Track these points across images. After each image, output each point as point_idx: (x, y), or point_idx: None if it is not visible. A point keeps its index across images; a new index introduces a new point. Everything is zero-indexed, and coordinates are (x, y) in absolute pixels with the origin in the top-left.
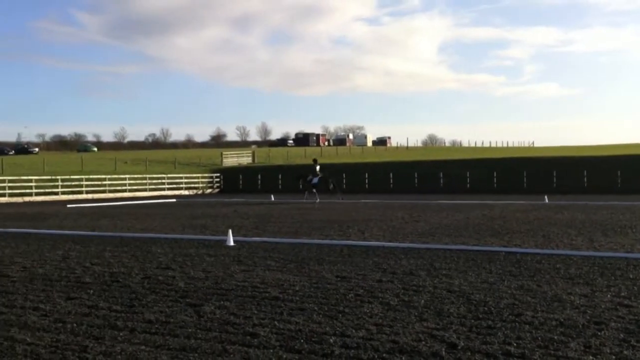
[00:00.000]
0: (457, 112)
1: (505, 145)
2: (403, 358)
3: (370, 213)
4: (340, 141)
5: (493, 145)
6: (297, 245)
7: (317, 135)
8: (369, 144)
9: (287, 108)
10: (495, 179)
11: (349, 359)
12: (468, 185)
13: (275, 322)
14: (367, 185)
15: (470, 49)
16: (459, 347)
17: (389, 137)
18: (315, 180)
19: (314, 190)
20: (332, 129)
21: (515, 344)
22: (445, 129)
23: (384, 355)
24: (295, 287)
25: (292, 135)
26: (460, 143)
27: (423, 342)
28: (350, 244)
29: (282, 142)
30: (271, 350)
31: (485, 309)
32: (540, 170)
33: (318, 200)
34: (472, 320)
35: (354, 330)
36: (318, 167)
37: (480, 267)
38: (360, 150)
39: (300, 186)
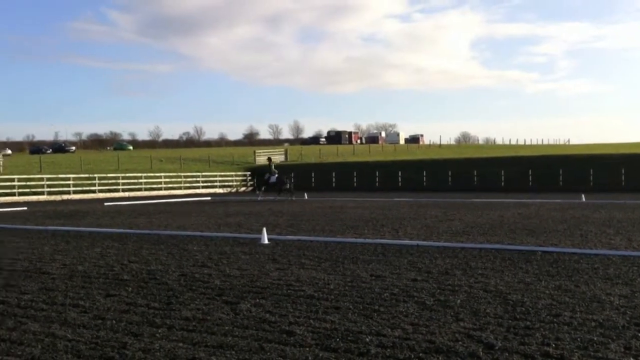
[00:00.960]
0: (490, 109)
1: (540, 142)
2: (439, 358)
3: (404, 212)
4: (372, 139)
5: (528, 142)
6: (331, 243)
7: (350, 133)
8: (402, 141)
9: (319, 106)
10: (530, 177)
11: (385, 358)
12: (502, 184)
13: (311, 321)
14: (399, 184)
15: (502, 45)
16: (497, 348)
17: (422, 135)
18: (273, 178)
19: (267, 188)
20: (364, 127)
21: (553, 345)
22: (478, 126)
23: (421, 355)
24: (330, 286)
25: (325, 134)
26: (494, 141)
27: (460, 343)
28: (384, 243)
29: (314, 140)
30: (307, 349)
31: (523, 309)
32: (577, 168)
33: (278, 197)
34: (510, 321)
35: (389, 330)
36: (273, 166)
37: (516, 267)
38: (392, 148)
39: (256, 184)
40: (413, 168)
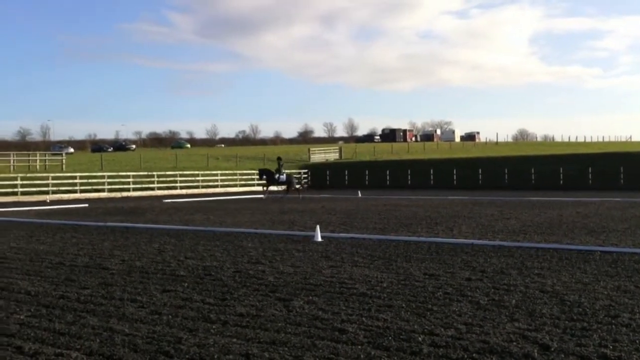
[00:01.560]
0: (549, 106)
1: (600, 139)
2: (493, 359)
3: (458, 210)
4: (427, 137)
5: (587, 139)
6: (384, 241)
7: (404, 131)
8: (457, 139)
9: (374, 104)
10: (590, 175)
11: (438, 358)
12: (561, 182)
13: (363, 319)
14: (454, 182)
15: (562, 40)
16: (552, 349)
17: (478, 132)
18: (283, 177)
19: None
20: (419, 125)
21: (611, 347)
22: (536, 123)
23: (474, 355)
24: (383, 284)
25: (379, 131)
26: (553, 138)
27: (514, 343)
28: (438, 241)
29: (368, 138)
30: (359, 347)
31: (580, 310)
32: (638, 165)
33: (287, 195)
34: (566, 322)
35: (442, 329)
36: (282, 165)
37: (574, 267)
38: (447, 146)
39: (265, 183)
40: (468, 166)
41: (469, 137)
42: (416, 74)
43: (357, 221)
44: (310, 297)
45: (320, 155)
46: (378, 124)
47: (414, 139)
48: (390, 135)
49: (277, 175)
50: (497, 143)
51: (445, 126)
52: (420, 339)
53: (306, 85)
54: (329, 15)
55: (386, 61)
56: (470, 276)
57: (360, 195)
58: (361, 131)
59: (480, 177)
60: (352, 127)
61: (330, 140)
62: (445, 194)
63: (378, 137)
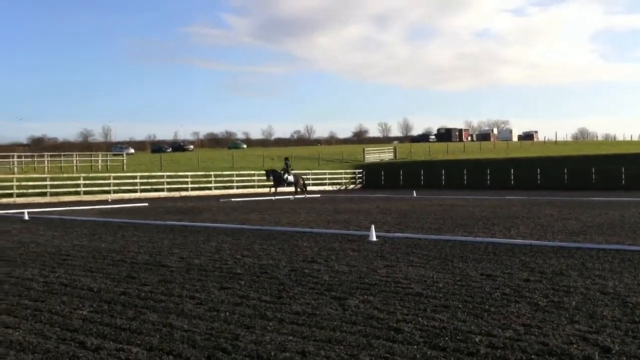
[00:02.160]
0: (610, 104)
1: None
2: None
3: (516, 210)
4: (483, 136)
5: None
6: (440, 241)
7: (460, 130)
8: (514, 138)
9: (429, 103)
10: None
11: (495, 359)
12: (623, 182)
13: (419, 319)
14: (512, 182)
15: (623, 38)
16: (614, 352)
17: (536, 132)
18: (290, 178)
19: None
20: (475, 124)
21: None
22: (597, 122)
23: (533, 357)
24: (439, 284)
25: (434, 131)
26: (614, 137)
27: (574, 345)
28: (495, 242)
29: (423, 137)
30: (415, 347)
31: None
32: None
33: (294, 197)
34: (628, 324)
35: (500, 330)
36: (290, 165)
37: (637, 269)
38: (505, 145)
39: (273, 183)
40: (526, 165)
41: (527, 136)
42: (472, 73)
43: (413, 221)
44: (366, 296)
45: (374, 155)
46: (433, 124)
47: (470, 138)
48: (445, 134)
49: (285, 176)
50: (556, 142)
51: (502, 125)
52: (477, 339)
53: (360, 85)
54: (382, 15)
55: (441, 60)
56: (528, 277)
57: (415, 195)
58: (416, 131)
59: (538, 177)
60: (406, 127)
61: (384, 140)
62: (503, 194)
63: (433, 137)
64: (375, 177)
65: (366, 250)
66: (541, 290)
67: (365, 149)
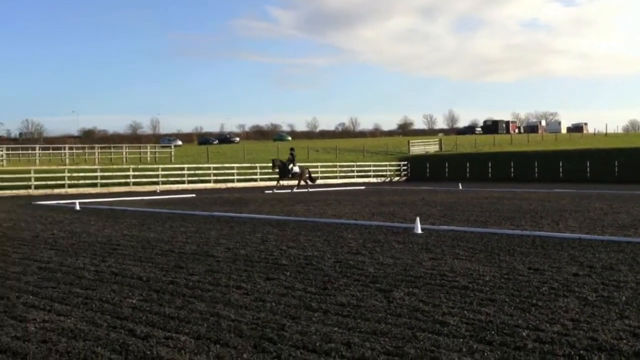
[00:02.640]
0: None
1: None
2: (602, 356)
3: (564, 203)
4: (531, 128)
5: None
6: (486, 234)
7: (507, 123)
8: (563, 130)
9: (475, 95)
10: None
11: (543, 354)
12: None
13: (465, 312)
14: (560, 174)
15: None
16: None
17: (585, 124)
18: (296, 169)
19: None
20: (522, 116)
21: None
22: None
23: (581, 352)
24: (485, 277)
25: (480, 123)
26: None
27: (624, 341)
28: (543, 235)
29: (469, 129)
30: (461, 340)
31: None
32: None
33: (295, 190)
34: None
35: (548, 325)
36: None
37: None
38: (553, 138)
39: (279, 175)
40: (575, 158)
41: (576, 128)
42: (520, 64)
43: (458, 214)
44: (411, 289)
45: (419, 147)
46: (479, 116)
47: (517, 130)
48: (492, 126)
49: (290, 166)
50: (606, 134)
51: (551, 117)
52: (524, 334)
53: (406, 77)
54: (428, 6)
55: (488, 52)
56: (577, 271)
57: (461, 187)
58: (462, 123)
59: (588, 170)
60: (452, 118)
61: (430, 132)
62: (551, 186)
63: (479, 129)
64: (420, 169)
65: (411, 242)
66: (590, 284)
67: (410, 141)
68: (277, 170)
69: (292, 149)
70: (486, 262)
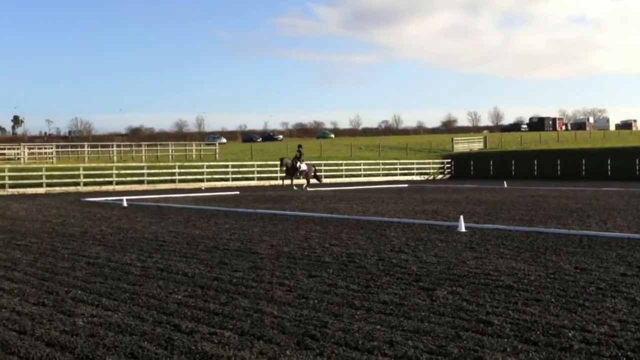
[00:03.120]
0: None
1: None
2: None
3: (613, 202)
4: (579, 125)
5: None
6: (532, 233)
7: (554, 119)
8: (612, 127)
9: (521, 92)
10: None
11: (589, 355)
12: None
13: (510, 312)
14: (609, 172)
15: None
16: None
17: (634, 120)
18: (304, 166)
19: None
20: (569, 113)
21: None
22: None
23: (629, 353)
24: (530, 277)
25: (526, 120)
26: None
27: None
28: (590, 235)
29: (515, 127)
30: (505, 340)
31: None
32: None
33: (304, 188)
34: None
35: (594, 326)
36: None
37: None
38: (601, 135)
39: (286, 173)
40: (624, 155)
41: (625, 125)
42: (566, 60)
43: (503, 212)
44: (454, 288)
45: (463, 144)
46: (525, 113)
47: (564, 127)
48: (538, 124)
49: (298, 165)
50: None
51: (599, 114)
52: (570, 334)
53: (449, 74)
54: (472, 2)
55: (534, 48)
56: (625, 271)
57: (506, 185)
58: (507, 120)
59: (637, 168)
60: (497, 116)
61: (474, 129)
62: (598, 185)
63: (525, 126)
64: (464, 167)
65: (455, 241)
66: (639, 285)
67: (454, 138)
68: (284, 168)
69: (299, 146)
70: (531, 262)
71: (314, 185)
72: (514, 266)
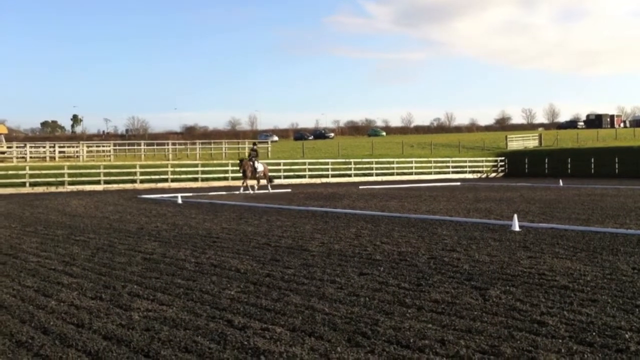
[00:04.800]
0: None
1: None
2: None
3: None
4: (637, 122)
5: None
6: (588, 233)
7: (612, 117)
8: None
9: (577, 88)
10: None
11: None
12: None
13: (565, 312)
14: None
15: None
16: None
17: None
18: (260, 167)
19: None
20: (628, 110)
21: None
22: None
23: None
24: (586, 277)
25: (583, 117)
26: None
27: None
28: None
29: (571, 124)
30: (560, 340)
31: None
32: None
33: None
34: None
35: None
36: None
37: None
38: None
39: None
40: None
41: None
42: (626, 55)
43: (558, 211)
44: (508, 287)
45: (518, 142)
46: (582, 110)
47: (622, 124)
48: (595, 121)
49: (255, 165)
50: None
51: None
52: (627, 336)
53: (503, 70)
54: None
55: (592, 43)
56: None
57: (561, 184)
58: (563, 117)
59: None
60: (553, 113)
61: (529, 126)
62: None
63: (582, 123)
64: (519, 165)
65: (508, 240)
66: None
67: (508, 136)
68: (242, 170)
69: (254, 144)
70: (588, 262)
71: (262, 186)
72: (569, 266)
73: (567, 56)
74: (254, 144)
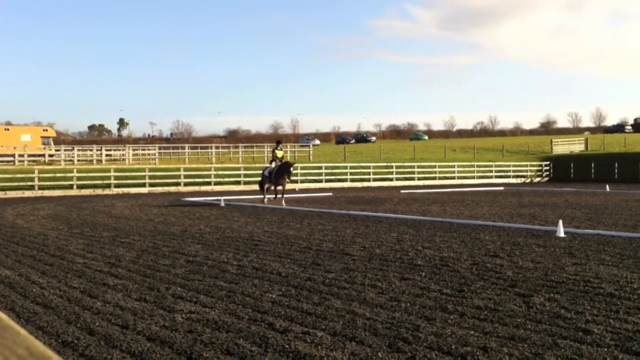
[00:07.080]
0: None
1: None
2: None
3: None
4: None
5: None
6: (635, 239)
7: None
8: None
9: (625, 92)
10: None
11: None
12: None
13: (610, 320)
14: None
15: None
16: None
17: None
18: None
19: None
20: None
21: None
22: None
23: None
24: (633, 285)
25: (630, 121)
26: None
27: None
28: None
29: (618, 128)
30: (605, 349)
31: None
32: None
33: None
34: None
35: None
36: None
37: None
38: None
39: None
40: None
41: None
42: None
43: (605, 217)
44: (552, 295)
45: (563, 146)
46: (630, 114)
47: None
48: None
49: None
50: None
51: None
52: None
53: (549, 74)
54: (577, 0)
55: None
56: None
57: (608, 189)
58: (610, 121)
59: None
60: (599, 116)
61: (574, 130)
62: None
63: (630, 127)
64: (564, 169)
65: (553, 246)
66: None
67: (553, 140)
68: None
69: (277, 142)
70: (635, 269)
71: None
72: (615, 273)
73: (614, 59)
74: (278, 142)
